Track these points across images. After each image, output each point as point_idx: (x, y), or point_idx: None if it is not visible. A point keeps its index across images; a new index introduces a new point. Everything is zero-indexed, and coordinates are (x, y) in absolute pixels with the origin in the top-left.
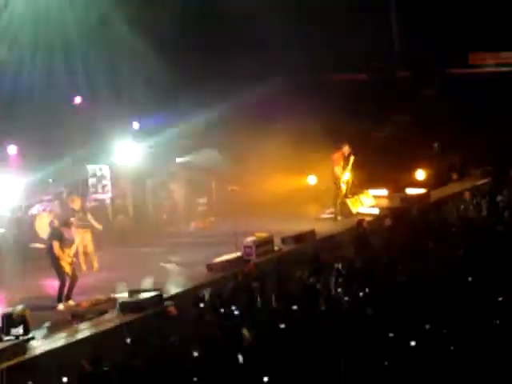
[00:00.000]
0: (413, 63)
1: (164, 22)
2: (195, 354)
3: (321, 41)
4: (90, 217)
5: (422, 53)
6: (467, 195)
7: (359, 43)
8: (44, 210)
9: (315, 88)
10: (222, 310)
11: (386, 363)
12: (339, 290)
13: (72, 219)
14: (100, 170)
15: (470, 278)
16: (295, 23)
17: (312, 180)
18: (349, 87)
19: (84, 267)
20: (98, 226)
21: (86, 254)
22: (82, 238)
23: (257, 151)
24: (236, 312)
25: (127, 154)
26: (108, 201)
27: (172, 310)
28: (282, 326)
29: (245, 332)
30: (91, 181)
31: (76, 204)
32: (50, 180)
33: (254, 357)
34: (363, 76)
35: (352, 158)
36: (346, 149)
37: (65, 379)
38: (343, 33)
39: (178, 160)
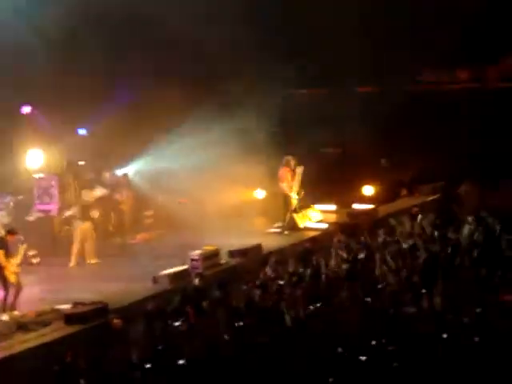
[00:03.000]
0: (368, 79)
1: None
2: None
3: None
4: (93, 212)
5: (377, 68)
6: (416, 211)
7: (318, 57)
8: None
9: (267, 101)
10: (169, 323)
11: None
12: (283, 305)
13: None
14: (47, 179)
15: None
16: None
17: (260, 194)
18: (304, 101)
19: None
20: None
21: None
22: (82, 232)
23: (206, 164)
24: (182, 325)
25: (74, 163)
26: (54, 212)
27: (117, 322)
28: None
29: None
30: (37, 191)
31: (85, 196)
32: None
33: (198, 369)
34: (321, 90)
35: (299, 170)
36: (292, 162)
37: None
38: (304, 46)
39: (125, 170)
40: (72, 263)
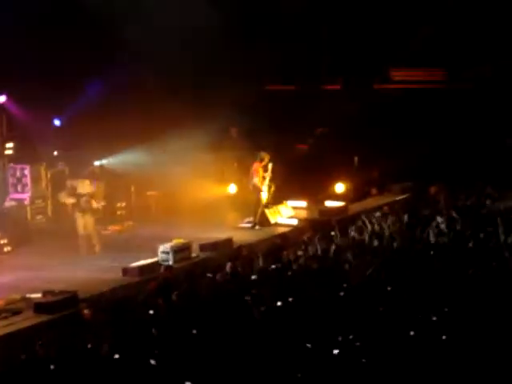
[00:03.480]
0: (339, 76)
1: None
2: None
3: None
4: (93, 201)
5: (348, 67)
6: (386, 210)
7: (288, 54)
8: None
9: (239, 96)
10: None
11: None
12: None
13: None
14: (21, 169)
15: (388, 288)
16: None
17: (232, 188)
18: (276, 97)
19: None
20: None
21: (88, 236)
22: (84, 222)
23: (176, 156)
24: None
25: (49, 153)
26: (27, 201)
27: (87, 312)
28: (194, 331)
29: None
30: (11, 180)
31: (81, 188)
32: None
33: (166, 360)
34: (291, 87)
35: (271, 166)
36: (265, 157)
37: None
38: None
39: (98, 162)
40: (85, 252)
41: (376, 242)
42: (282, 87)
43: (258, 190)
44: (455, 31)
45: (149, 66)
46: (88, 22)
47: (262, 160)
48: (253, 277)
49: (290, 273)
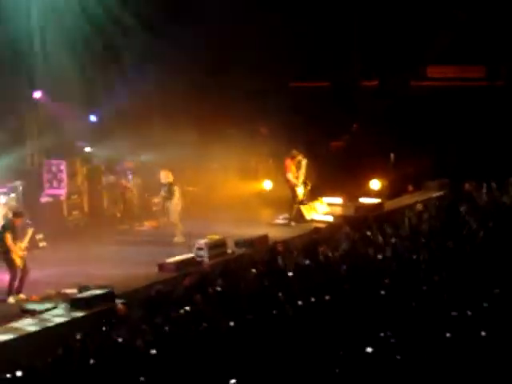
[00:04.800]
0: (375, 73)
1: None
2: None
3: (284, 47)
4: (175, 188)
5: (383, 63)
6: (420, 207)
7: (323, 51)
8: None
9: (276, 93)
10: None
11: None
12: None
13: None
14: (57, 165)
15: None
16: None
17: (267, 185)
18: (310, 94)
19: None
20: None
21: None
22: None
23: (213, 154)
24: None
25: (84, 149)
26: (63, 196)
27: (122, 308)
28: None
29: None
30: (47, 175)
31: (163, 177)
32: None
33: (205, 357)
34: (325, 84)
35: (304, 163)
36: (296, 155)
37: (19, 373)
38: (308, 41)
39: (134, 158)
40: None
41: (412, 239)
42: (317, 83)
43: (293, 186)
44: (492, 27)
45: (185, 65)
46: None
47: (293, 157)
48: (289, 273)
49: (325, 269)
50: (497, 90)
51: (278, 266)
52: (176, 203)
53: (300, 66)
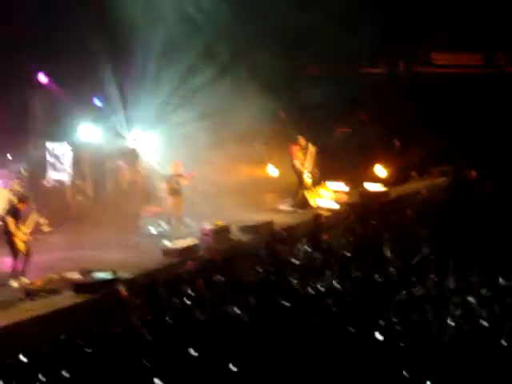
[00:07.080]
0: (379, 59)
1: None
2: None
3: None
4: (182, 181)
5: (387, 50)
6: (425, 192)
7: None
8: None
9: (283, 79)
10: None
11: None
12: (295, 282)
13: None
14: (60, 148)
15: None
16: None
17: (273, 171)
18: (315, 81)
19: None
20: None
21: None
22: (174, 203)
23: (218, 138)
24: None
25: (88, 133)
26: (67, 181)
27: (124, 292)
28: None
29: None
30: (51, 160)
31: (174, 169)
32: (9, 157)
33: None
34: (330, 70)
35: (312, 149)
36: (302, 141)
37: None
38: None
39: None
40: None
41: (416, 226)
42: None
43: (299, 172)
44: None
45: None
46: None
47: (299, 144)
48: (292, 260)
49: (329, 255)
50: (504, 77)
51: (280, 253)
52: (181, 197)
53: (309, 52)
